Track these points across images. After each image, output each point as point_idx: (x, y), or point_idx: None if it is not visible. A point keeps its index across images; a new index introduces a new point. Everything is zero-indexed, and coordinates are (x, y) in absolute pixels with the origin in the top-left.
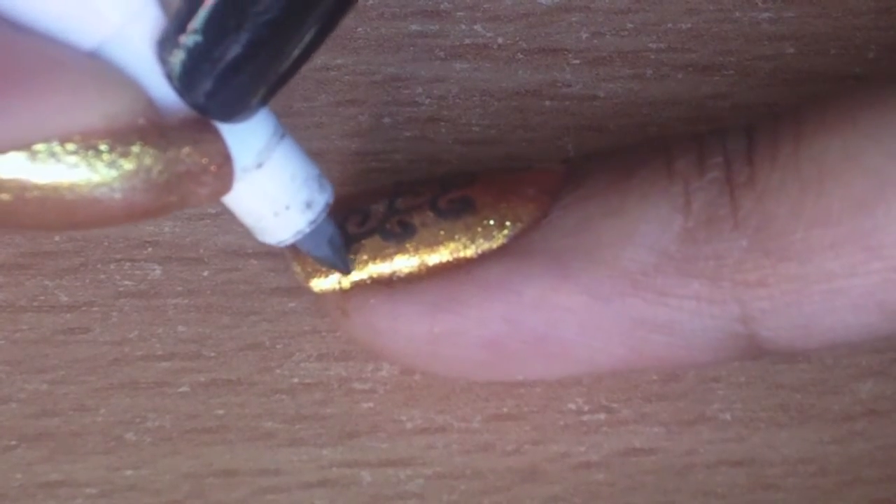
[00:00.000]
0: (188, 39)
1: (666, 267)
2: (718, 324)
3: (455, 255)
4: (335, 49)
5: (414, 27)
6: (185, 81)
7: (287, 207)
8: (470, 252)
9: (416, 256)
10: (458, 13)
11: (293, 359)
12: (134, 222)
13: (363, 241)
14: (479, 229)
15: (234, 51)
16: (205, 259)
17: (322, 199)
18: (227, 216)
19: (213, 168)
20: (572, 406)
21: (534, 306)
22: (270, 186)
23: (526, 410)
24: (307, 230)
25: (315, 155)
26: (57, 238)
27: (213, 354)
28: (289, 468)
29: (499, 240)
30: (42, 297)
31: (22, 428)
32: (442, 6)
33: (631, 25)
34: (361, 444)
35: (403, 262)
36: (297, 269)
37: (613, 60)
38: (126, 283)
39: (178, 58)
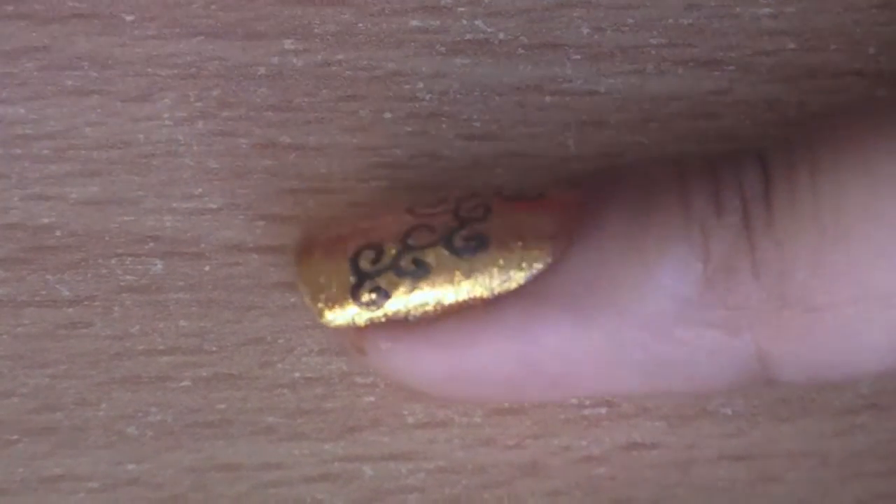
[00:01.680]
0: None
1: (685, 313)
2: (736, 364)
3: (471, 295)
4: (336, 45)
5: (415, 23)
6: None
7: None
8: (486, 292)
9: (432, 295)
10: (459, 9)
11: (295, 353)
12: None
13: (377, 279)
14: (495, 270)
15: None
16: (206, 254)
17: None
18: (229, 211)
19: None
20: (573, 400)
21: (551, 351)
22: None
23: (527, 405)
24: None
25: (315, 150)
26: (58, 233)
27: (214, 349)
28: (290, 462)
29: (515, 281)
30: (43, 292)
31: (23, 422)
32: (443, 2)
33: (632, 21)
34: (363, 438)
35: (418, 301)
36: (309, 300)
37: (614, 56)
38: (128, 277)
39: None
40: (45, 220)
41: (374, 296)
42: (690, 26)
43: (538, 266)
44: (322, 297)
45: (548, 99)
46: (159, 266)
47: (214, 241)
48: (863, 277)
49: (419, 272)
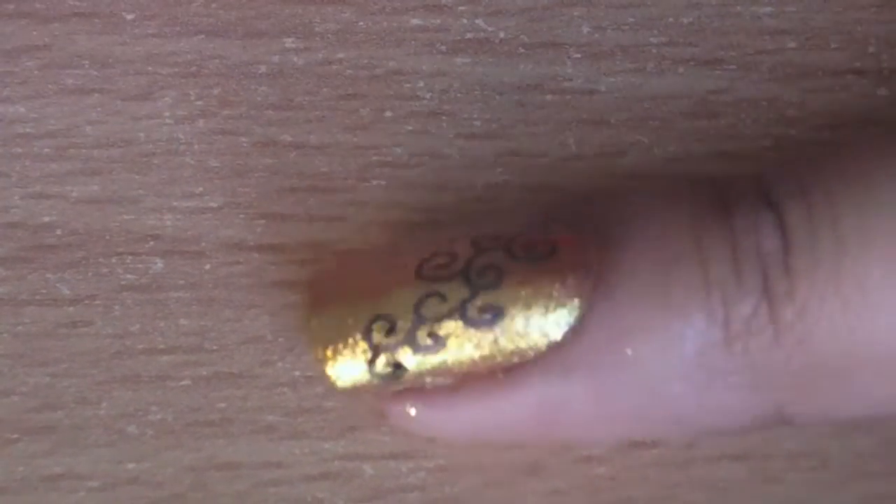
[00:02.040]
0: None
1: (705, 379)
2: (754, 417)
3: (489, 365)
4: (336, 43)
5: (415, 21)
6: None
7: None
8: (504, 362)
9: (449, 367)
10: (460, 7)
11: (295, 352)
12: None
13: (393, 353)
14: (512, 341)
15: None
16: (206, 253)
17: None
18: (229, 210)
19: None
20: None
21: (573, 419)
22: None
23: None
24: None
25: (316, 148)
26: (59, 232)
27: (215, 348)
28: (291, 461)
29: (534, 350)
30: (44, 291)
31: (24, 421)
32: (443, 0)
33: (632, 20)
34: (363, 436)
35: (436, 373)
36: (321, 367)
37: (615, 55)
38: (128, 276)
39: None
40: (46, 219)
41: (390, 369)
42: (691, 25)
43: (556, 336)
44: (334, 364)
45: (548, 98)
46: (160, 265)
47: (215, 239)
48: (885, 344)
49: (435, 346)
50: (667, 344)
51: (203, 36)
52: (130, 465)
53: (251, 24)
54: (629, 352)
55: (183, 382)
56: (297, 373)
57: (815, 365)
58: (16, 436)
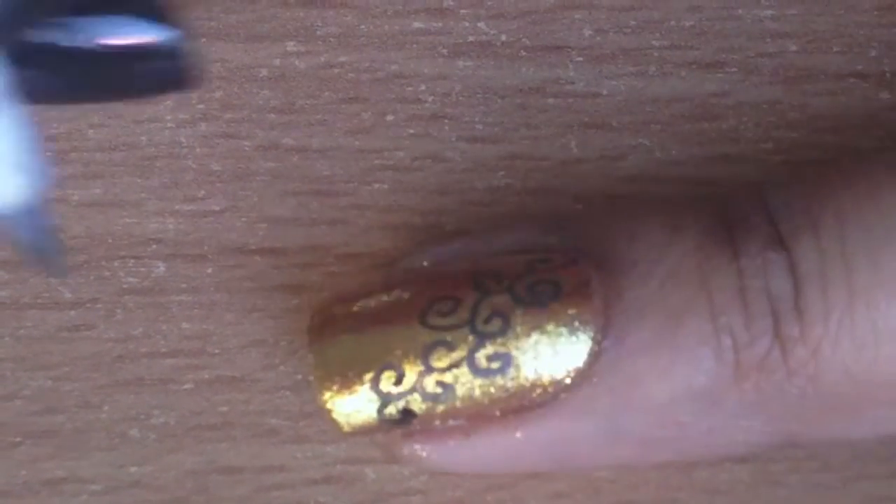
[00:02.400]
0: None
1: (716, 418)
2: (765, 444)
3: (499, 410)
4: (338, 47)
5: (417, 24)
6: None
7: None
8: (515, 407)
9: (457, 411)
10: (462, 11)
11: (297, 355)
12: None
13: (402, 401)
14: (522, 387)
15: None
16: (208, 256)
17: (46, 178)
18: (231, 213)
19: None
20: None
21: (583, 458)
22: None
23: None
24: (22, 199)
25: (318, 152)
26: (61, 235)
27: (217, 351)
28: (293, 465)
29: (543, 396)
30: (46, 294)
31: (26, 425)
32: (445, 4)
33: (634, 23)
34: (366, 440)
35: (446, 418)
36: (328, 413)
37: (616, 58)
38: (130, 280)
39: None
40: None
41: (399, 416)
42: (692, 28)
43: (566, 380)
44: (343, 410)
45: (550, 101)
46: (162, 268)
47: (217, 243)
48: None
49: (444, 394)
50: (678, 387)
51: (205, 39)
52: (132, 469)
53: (253, 28)
54: (640, 394)
55: (185, 386)
56: (299, 376)
57: (827, 402)
58: (18, 439)
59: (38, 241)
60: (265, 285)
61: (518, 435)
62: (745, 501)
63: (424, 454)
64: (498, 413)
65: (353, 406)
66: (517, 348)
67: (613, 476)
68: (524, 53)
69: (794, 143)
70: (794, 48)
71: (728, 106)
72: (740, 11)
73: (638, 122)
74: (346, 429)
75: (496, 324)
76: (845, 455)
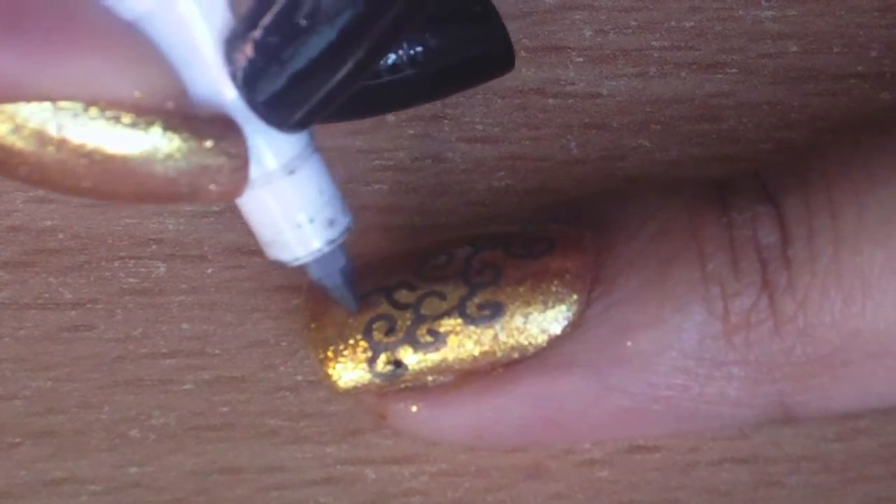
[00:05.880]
0: (258, 37)
1: (706, 370)
2: (758, 411)
3: (489, 362)
4: None
5: None
6: (250, 81)
7: (311, 220)
8: (503, 358)
9: (449, 364)
10: None
11: (297, 356)
12: (141, 203)
13: (394, 351)
14: (512, 337)
15: (305, 53)
16: (209, 256)
17: (345, 220)
18: (231, 214)
19: (228, 168)
20: None
21: (573, 412)
22: (297, 197)
23: None
24: (325, 249)
25: (319, 152)
26: (61, 235)
27: (217, 352)
28: (293, 465)
29: (533, 346)
30: (46, 295)
31: (26, 425)
32: None
33: (634, 23)
34: (365, 441)
35: (437, 370)
36: (321, 367)
37: (617, 58)
38: (130, 280)
39: (245, 56)
40: (48, 223)
41: (391, 367)
42: (693, 29)
43: (555, 331)
44: (335, 365)
45: (550, 101)
46: (162, 269)
47: (217, 243)
48: (888, 334)
49: (435, 343)
50: (666, 337)
51: None
52: (132, 470)
53: None
54: (629, 344)
55: (185, 386)
56: (299, 377)
57: (816, 355)
58: (18, 440)
59: (334, 281)
60: (265, 286)
61: (507, 386)
62: (745, 501)
63: (415, 409)
64: (488, 367)
65: (346, 360)
66: (507, 297)
67: (614, 476)
68: (524, 54)
69: (794, 143)
70: (794, 49)
71: (728, 106)
72: (740, 12)
73: (638, 122)
74: (341, 385)
75: (488, 274)
76: (845, 455)
